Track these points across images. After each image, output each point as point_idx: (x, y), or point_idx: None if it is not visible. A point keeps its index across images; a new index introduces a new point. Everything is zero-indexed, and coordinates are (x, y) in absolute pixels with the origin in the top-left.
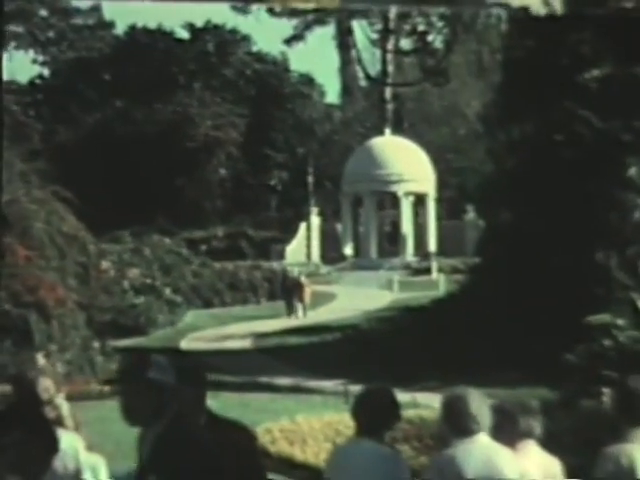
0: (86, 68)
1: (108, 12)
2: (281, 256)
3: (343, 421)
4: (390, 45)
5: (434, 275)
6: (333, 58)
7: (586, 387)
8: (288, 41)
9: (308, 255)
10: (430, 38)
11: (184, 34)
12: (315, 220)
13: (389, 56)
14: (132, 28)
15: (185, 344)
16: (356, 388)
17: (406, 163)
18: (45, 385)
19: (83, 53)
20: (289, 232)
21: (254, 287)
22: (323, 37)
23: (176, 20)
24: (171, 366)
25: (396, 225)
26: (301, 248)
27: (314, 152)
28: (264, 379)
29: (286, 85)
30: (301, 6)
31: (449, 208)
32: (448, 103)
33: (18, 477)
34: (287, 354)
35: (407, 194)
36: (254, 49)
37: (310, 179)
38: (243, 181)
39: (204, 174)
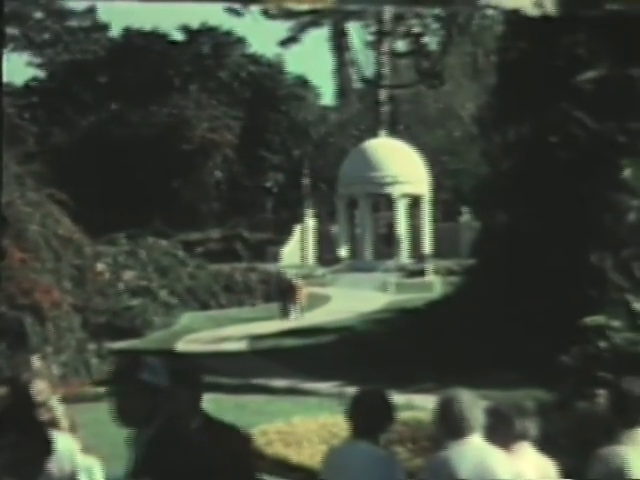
0: (81, 70)
1: (103, 14)
2: (277, 258)
3: (338, 423)
4: (385, 47)
5: (429, 277)
6: (328, 60)
7: (581, 389)
8: (283, 43)
9: (303, 257)
10: (425, 40)
11: (179, 36)
12: (310, 222)
13: (384, 58)
14: (127, 30)
15: (181, 346)
16: (351, 390)
17: (401, 165)
18: (39, 387)
19: (78, 55)
20: (285, 234)
21: (250, 289)
22: (318, 39)
23: (171, 22)
24: (165, 368)
25: (391, 227)
26: (296, 250)
27: (310, 154)
28: (260, 381)
29: (281, 87)
30: (295, 6)
31: (444, 210)
32: (443, 105)
33: (13, 479)
34: (283, 356)
35: (402, 196)
36: (249, 51)
37: (306, 181)
38: (239, 183)
39: (200, 176)
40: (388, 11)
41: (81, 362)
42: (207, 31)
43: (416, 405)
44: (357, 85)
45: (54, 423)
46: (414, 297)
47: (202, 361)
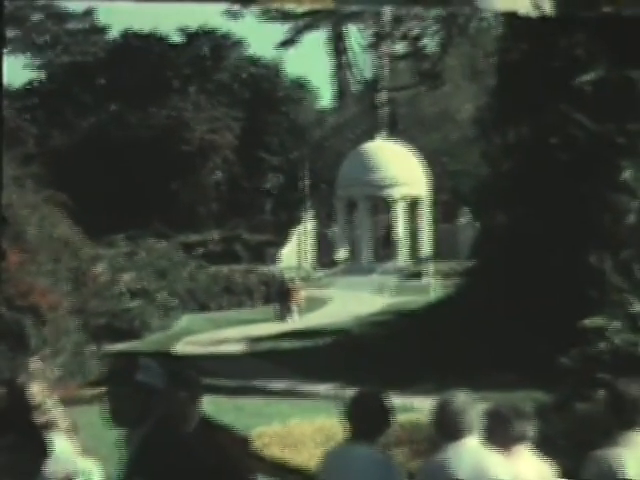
0: (81, 72)
1: (103, 16)
2: (276, 260)
3: (336, 425)
4: (383, 49)
5: (428, 279)
6: (327, 62)
7: (580, 390)
8: (282, 45)
9: (302, 259)
10: (423, 42)
11: (178, 38)
12: (309, 224)
13: (382, 60)
14: (126, 32)
15: (180, 348)
16: (349, 392)
17: (400, 167)
18: (36, 389)
19: (78, 57)
20: (284, 236)
21: (249, 291)
22: (316, 41)
23: (170, 24)
24: (159, 369)
25: (390, 229)
26: (295, 252)
27: (308, 156)
28: (258, 383)
29: (280, 89)
30: (294, 8)
31: (443, 212)
32: (442, 107)
33: None
34: (281, 358)
35: (401, 198)
36: (248, 53)
37: (305, 183)
38: (238, 185)
39: (199, 178)
40: (386, 13)
41: (79, 364)
42: (206, 33)
43: (414, 407)
44: (355, 87)
45: (51, 425)
46: (412, 299)
47: (200, 363)
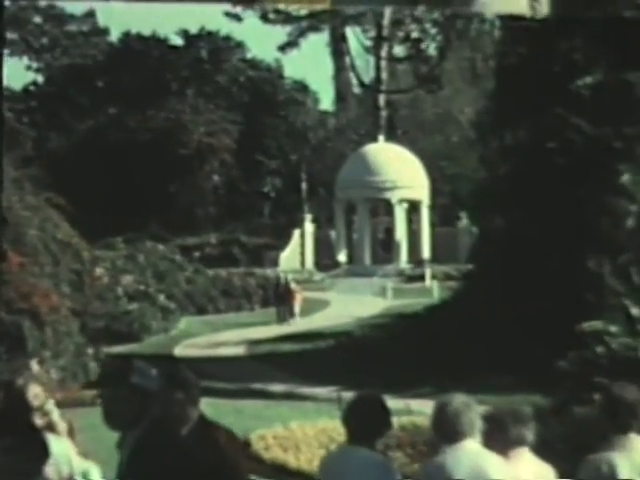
0: (80, 75)
1: (102, 19)
2: (275, 263)
3: (336, 428)
4: (384, 52)
5: (427, 282)
6: (327, 65)
7: (578, 394)
8: (282, 48)
9: (302, 262)
10: (423, 45)
11: (178, 41)
12: (309, 227)
13: (383, 63)
14: (126, 35)
15: (179, 351)
16: (349, 395)
17: (399, 170)
18: (35, 391)
19: (77, 60)
20: (283, 239)
21: (248, 294)
22: (317, 44)
23: (170, 27)
24: (155, 372)
25: (390, 232)
26: (295, 255)
27: (307, 159)
28: (258, 386)
29: (280, 92)
30: (294, 11)
31: (442, 215)
32: (441, 110)
33: None
34: (281, 361)
35: (400, 201)
36: (248, 56)
37: (303, 186)
38: (236, 188)
39: (197, 181)
40: (386, 16)
41: (79, 366)
42: (205, 36)
43: (414, 410)
44: (356, 90)
45: (50, 427)
46: (412, 302)
47: (200, 366)
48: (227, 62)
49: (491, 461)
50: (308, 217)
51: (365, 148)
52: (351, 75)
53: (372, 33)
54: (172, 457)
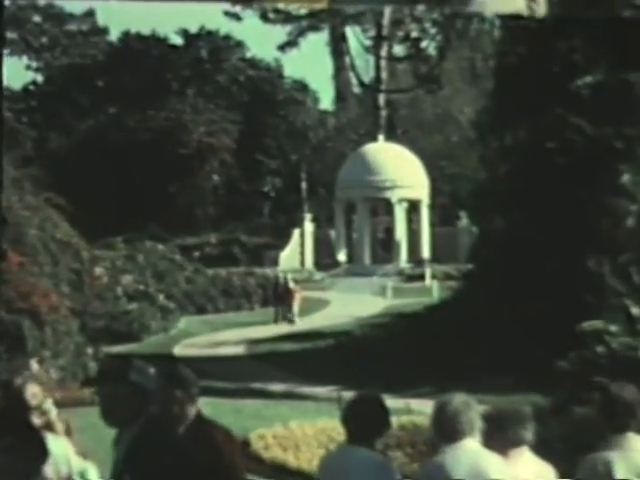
0: (79, 74)
1: (102, 18)
2: (275, 262)
3: (336, 427)
4: (383, 51)
5: (427, 281)
6: (327, 64)
7: (578, 394)
8: (282, 47)
9: (302, 261)
10: (423, 45)
11: (178, 40)
12: (308, 226)
13: (382, 62)
14: (126, 34)
15: (178, 350)
16: (349, 394)
17: (399, 170)
18: (33, 391)
19: (76, 59)
20: (282, 238)
21: (247, 293)
22: (317, 43)
23: (170, 26)
24: (153, 370)
25: (389, 231)
26: (295, 254)
27: (307, 158)
28: (257, 385)
29: (280, 91)
30: (294, 10)
31: (442, 215)
32: (441, 110)
33: None
34: (280, 360)
35: (400, 200)
36: (248, 55)
37: (303, 185)
38: (236, 187)
39: (197, 180)
40: (386, 15)
41: (79, 366)
42: (205, 35)
43: (414, 409)
44: (355, 89)
45: (49, 426)
46: (412, 302)
47: (199, 365)
48: (227, 62)
49: (491, 460)
50: (308, 217)
51: (365, 148)
52: (351, 75)
53: (372, 33)
54: (169, 455)
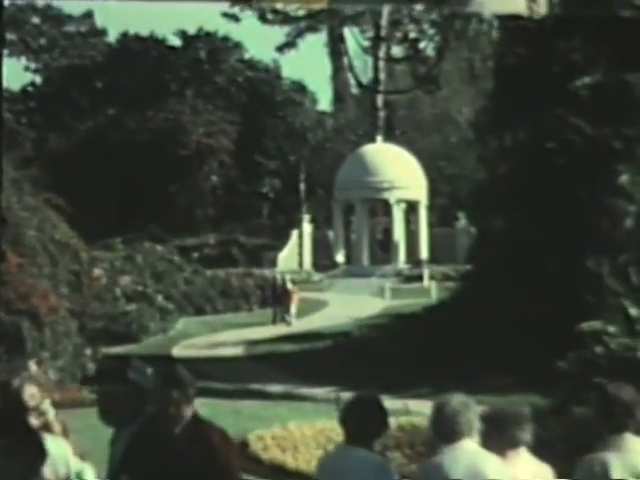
0: (78, 75)
1: (100, 19)
2: (273, 263)
3: (335, 428)
4: (382, 52)
5: (426, 282)
6: (325, 65)
7: (577, 394)
8: (280, 48)
9: (300, 262)
10: (422, 45)
11: (176, 41)
12: (307, 227)
13: (381, 63)
14: (124, 35)
15: (177, 351)
16: (348, 395)
17: (398, 170)
18: (31, 392)
19: (75, 60)
20: (281, 239)
21: (246, 294)
22: (315, 44)
23: (168, 27)
24: (149, 370)
25: (388, 232)
26: (293, 255)
27: (306, 159)
28: (256, 386)
29: (278, 92)
30: (292, 11)
31: (440, 215)
32: (440, 110)
33: None
34: (279, 361)
35: (399, 201)
36: (246, 56)
37: (302, 186)
38: (235, 188)
39: (196, 181)
40: (384, 16)
41: (78, 367)
42: (204, 36)
43: (412, 410)
44: (354, 90)
45: (47, 427)
46: (410, 302)
47: (198, 366)
48: (225, 63)
49: (489, 461)
50: (306, 217)
51: (363, 148)
52: (349, 75)
53: (370, 33)
54: (165, 455)
